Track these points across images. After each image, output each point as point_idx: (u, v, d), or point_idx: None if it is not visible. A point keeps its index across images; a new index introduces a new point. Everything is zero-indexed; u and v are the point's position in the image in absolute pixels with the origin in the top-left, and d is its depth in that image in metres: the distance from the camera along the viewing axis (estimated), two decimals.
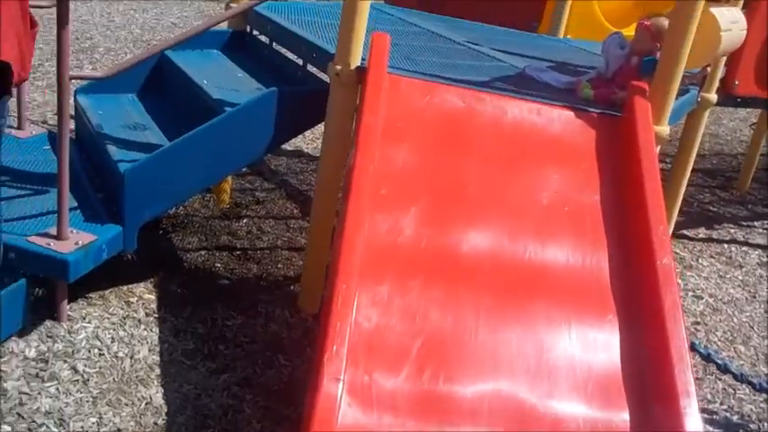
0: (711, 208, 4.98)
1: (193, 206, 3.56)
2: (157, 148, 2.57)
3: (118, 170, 2.54)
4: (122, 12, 7.32)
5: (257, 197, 3.88)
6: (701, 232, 4.46)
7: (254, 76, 3.01)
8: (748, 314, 3.64)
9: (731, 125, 7.18)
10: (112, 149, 2.74)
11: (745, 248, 4.34)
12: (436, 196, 2.28)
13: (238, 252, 3.25)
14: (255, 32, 3.38)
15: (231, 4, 3.30)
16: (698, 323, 3.46)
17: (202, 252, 3.20)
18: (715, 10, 2.61)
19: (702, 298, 3.70)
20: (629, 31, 4.54)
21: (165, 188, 2.59)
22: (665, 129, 2.58)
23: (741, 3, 3.09)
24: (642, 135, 2.41)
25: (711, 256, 4.16)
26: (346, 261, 1.96)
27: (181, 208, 3.49)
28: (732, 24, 2.74)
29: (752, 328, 3.53)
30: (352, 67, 2.51)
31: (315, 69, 2.94)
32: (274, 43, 3.22)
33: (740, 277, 3.99)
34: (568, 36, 4.18)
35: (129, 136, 2.87)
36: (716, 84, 3.33)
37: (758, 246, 4.41)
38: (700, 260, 4.08)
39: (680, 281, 3.75)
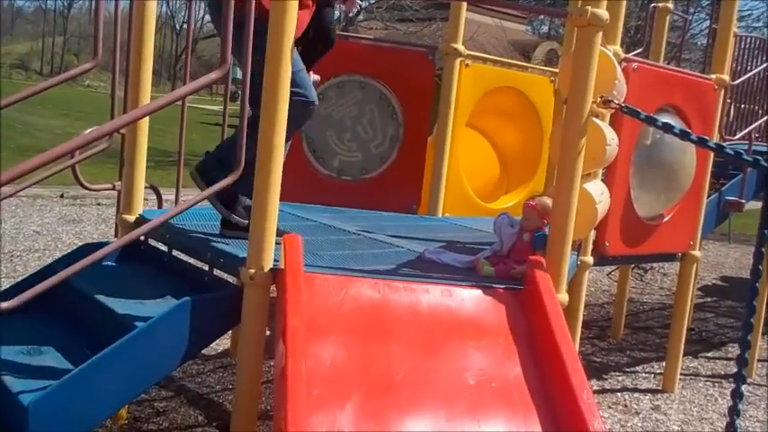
0: (595, 359, 5.23)
1: None
2: (62, 374, 2.43)
3: (19, 403, 2.36)
4: None
5: (156, 408, 3.69)
6: (594, 384, 4.65)
7: (159, 286, 2.96)
8: None
9: (591, 276, 7.68)
10: (7, 380, 2.55)
11: (636, 395, 4.56)
12: (368, 389, 2.29)
13: None
14: (151, 241, 3.36)
15: (123, 216, 3.30)
16: None
17: None
18: (588, 186, 2.91)
19: None
20: (497, 205, 4.94)
21: (75, 417, 2.41)
22: (565, 296, 2.77)
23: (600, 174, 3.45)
24: (549, 305, 2.57)
25: (609, 407, 4.33)
26: None
27: None
28: (602, 196, 3.05)
29: None
30: (266, 269, 2.55)
31: (221, 273, 2.95)
32: (174, 250, 3.22)
33: (639, 424, 4.15)
34: (447, 214, 4.45)
35: (24, 361, 2.69)
36: (590, 247, 3.63)
37: (647, 390, 4.65)
38: (600, 412, 4.22)
39: None
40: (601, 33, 2.72)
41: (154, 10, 3.32)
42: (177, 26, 47.67)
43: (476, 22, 16.48)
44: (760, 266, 2.81)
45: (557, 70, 3.98)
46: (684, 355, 4.96)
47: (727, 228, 10.80)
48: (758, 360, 5.35)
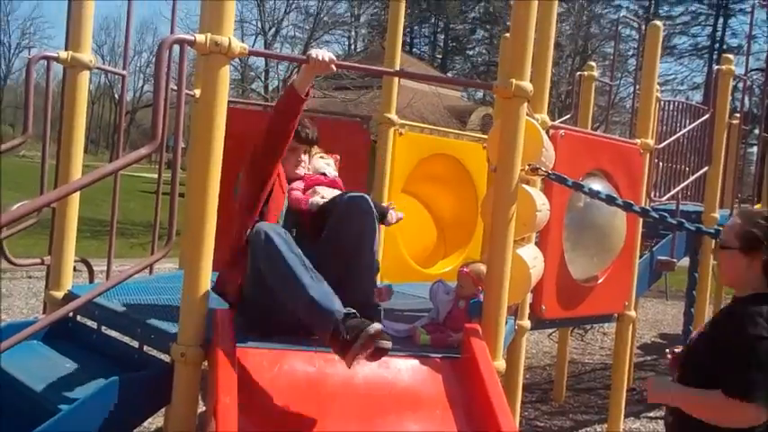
0: (538, 423, 5.22)
1: None
2: None
3: None
4: None
5: None
6: None
7: (87, 366, 2.86)
8: None
9: (532, 338, 7.75)
10: None
11: None
12: None
13: None
14: (79, 318, 3.26)
15: (51, 293, 3.20)
16: None
17: None
18: (521, 251, 2.95)
19: None
20: (434, 270, 4.96)
21: None
22: (501, 363, 2.77)
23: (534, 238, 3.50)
24: (485, 373, 2.56)
25: None
26: None
27: None
28: (535, 261, 3.09)
29: None
30: (198, 345, 2.49)
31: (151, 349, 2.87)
32: (103, 327, 3.12)
33: None
34: (385, 281, 4.44)
35: None
36: (527, 311, 3.65)
37: None
38: None
39: None
40: (527, 103, 2.81)
41: (86, 82, 3.31)
42: (116, 96, 47.48)
43: (412, 90, 16.85)
44: (690, 327, 2.87)
45: None
46: (626, 416, 4.99)
47: (664, 285, 11.05)
48: None
